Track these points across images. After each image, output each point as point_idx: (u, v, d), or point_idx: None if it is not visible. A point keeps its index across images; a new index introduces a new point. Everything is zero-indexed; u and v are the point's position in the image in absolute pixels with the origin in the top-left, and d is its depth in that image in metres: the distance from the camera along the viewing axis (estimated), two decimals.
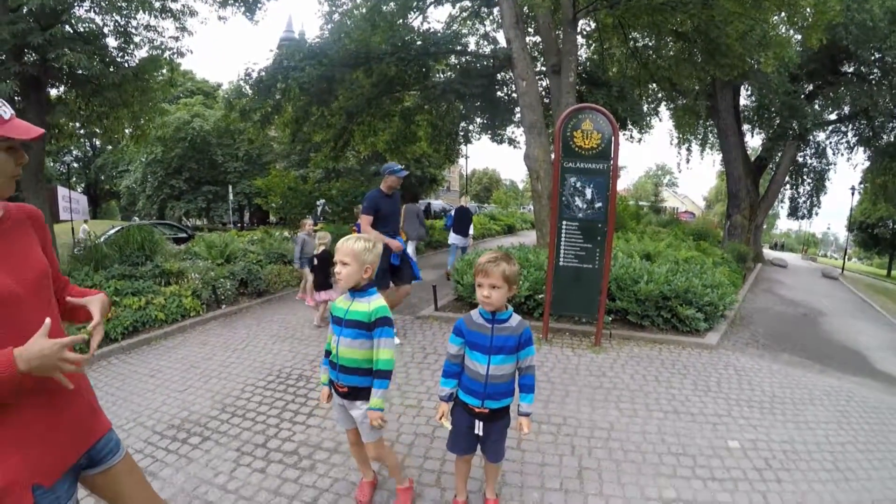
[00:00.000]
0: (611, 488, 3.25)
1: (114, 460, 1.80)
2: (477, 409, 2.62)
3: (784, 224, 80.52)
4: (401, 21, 14.86)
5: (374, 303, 2.61)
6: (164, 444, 3.88)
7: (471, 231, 12.11)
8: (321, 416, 4.31)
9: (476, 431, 2.67)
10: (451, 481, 3.23)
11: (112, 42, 14.58)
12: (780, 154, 19.23)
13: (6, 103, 1.51)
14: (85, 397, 1.72)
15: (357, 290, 2.66)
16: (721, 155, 19.16)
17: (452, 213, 12.41)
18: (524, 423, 2.62)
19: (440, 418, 2.70)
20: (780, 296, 12.11)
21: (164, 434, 4.06)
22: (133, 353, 6.20)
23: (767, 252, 27.95)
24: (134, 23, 14.67)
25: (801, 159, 21.40)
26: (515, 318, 2.59)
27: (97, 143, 42.73)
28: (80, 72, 12.65)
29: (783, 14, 11.18)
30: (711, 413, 4.45)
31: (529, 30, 15.24)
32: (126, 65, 14.53)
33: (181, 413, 4.45)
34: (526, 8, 12.43)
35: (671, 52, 15.34)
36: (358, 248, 2.57)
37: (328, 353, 2.78)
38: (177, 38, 15.21)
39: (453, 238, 12.00)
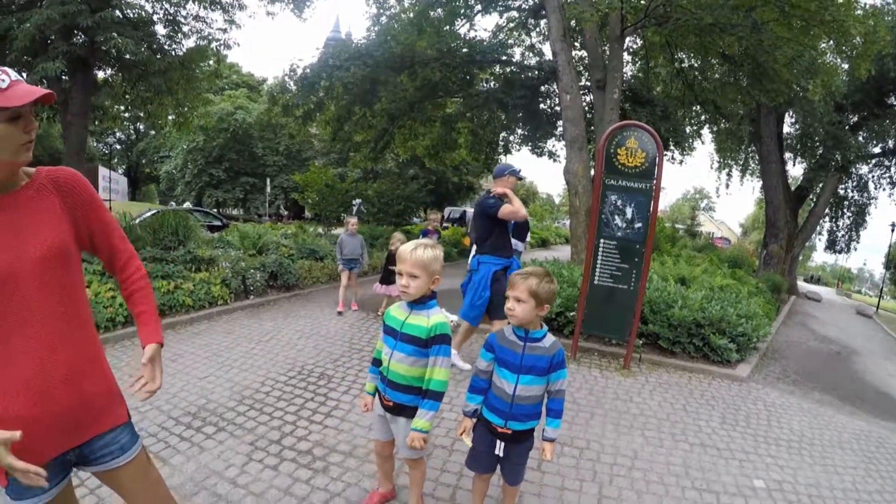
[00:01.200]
0: None
1: (115, 463, 1.69)
2: (500, 429, 2.51)
3: (820, 257, 78.78)
4: (447, 28, 14.91)
5: (434, 318, 2.43)
6: (178, 431, 3.87)
7: (527, 238, 12.92)
8: (339, 417, 4.26)
9: (496, 452, 2.56)
10: (466, 497, 3.14)
11: (160, 30, 15.00)
12: (821, 185, 18.83)
13: (8, 71, 1.42)
14: (83, 394, 1.59)
15: (417, 303, 2.48)
16: (761, 182, 18.84)
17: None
18: (547, 448, 2.52)
19: (461, 434, 2.60)
20: (812, 331, 11.78)
21: (179, 420, 4.04)
22: None
23: (802, 284, 27.33)
24: (183, 12, 15.02)
25: (842, 192, 20.96)
26: (549, 339, 2.49)
27: (140, 127, 43.72)
28: (127, 56, 12.98)
29: (831, 42, 10.94)
30: (738, 449, 4.28)
31: (576, 44, 15.15)
32: (173, 53, 14.88)
33: (199, 400, 4.44)
34: (573, 22, 12.32)
35: (717, 75, 15.15)
36: (427, 257, 2.38)
37: (376, 361, 2.66)
38: (225, 31, 15.56)
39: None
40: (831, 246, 22.79)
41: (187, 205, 27.94)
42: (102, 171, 16.46)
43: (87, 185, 1.71)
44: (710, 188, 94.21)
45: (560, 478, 3.51)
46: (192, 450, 3.60)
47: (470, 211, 37.51)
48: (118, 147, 48.15)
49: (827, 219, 21.87)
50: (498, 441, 2.55)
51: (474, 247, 5.58)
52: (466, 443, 2.61)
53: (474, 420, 2.65)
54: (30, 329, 1.47)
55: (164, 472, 3.23)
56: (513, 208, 5.12)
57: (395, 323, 2.51)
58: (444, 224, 30.90)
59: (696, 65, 15.87)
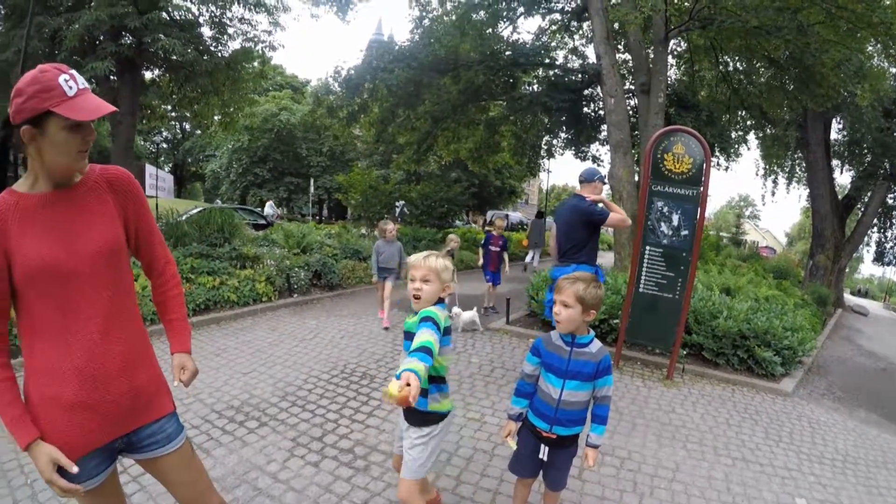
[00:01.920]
0: None
1: (160, 452, 1.75)
2: (544, 434, 2.51)
3: (867, 269, 75.91)
4: (490, 30, 14.89)
5: (425, 311, 2.32)
6: (220, 424, 3.96)
7: None
8: (381, 417, 4.30)
9: (541, 456, 2.56)
10: (506, 502, 3.14)
11: (207, 31, 15.30)
12: (869, 194, 18.16)
13: (76, 77, 1.46)
14: (134, 383, 1.66)
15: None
16: (808, 190, 18.29)
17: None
18: (591, 454, 2.51)
19: (506, 436, 2.61)
20: (859, 346, 11.39)
21: (222, 414, 4.14)
22: (202, 331, 6.39)
23: (848, 297, 26.46)
24: (229, 14, 15.29)
25: (891, 201, 20.12)
26: (596, 344, 2.48)
27: (186, 126, 44.70)
28: (174, 57, 13.30)
29: (879, 45, 10.60)
30: (781, 465, 4.17)
31: (619, 47, 14.98)
32: (219, 54, 15.20)
33: (242, 395, 4.54)
34: (617, 24, 12.20)
35: (763, 79, 14.81)
36: (439, 265, 2.38)
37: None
38: (269, 32, 15.83)
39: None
40: (879, 258, 21.97)
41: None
42: (149, 169, 16.88)
43: (138, 186, 1.78)
44: (755, 195, 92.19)
45: (601, 487, 3.49)
46: (235, 443, 3.68)
47: (513, 215, 37.18)
48: (164, 146, 49.34)
49: (875, 229, 21.09)
50: (542, 445, 2.55)
51: (535, 251, 5.34)
52: (511, 446, 2.61)
53: (519, 423, 2.65)
54: (84, 319, 1.54)
55: (206, 463, 3.31)
56: (621, 216, 4.94)
57: (406, 326, 2.46)
58: (487, 228, 30.90)
59: (741, 68, 15.53)
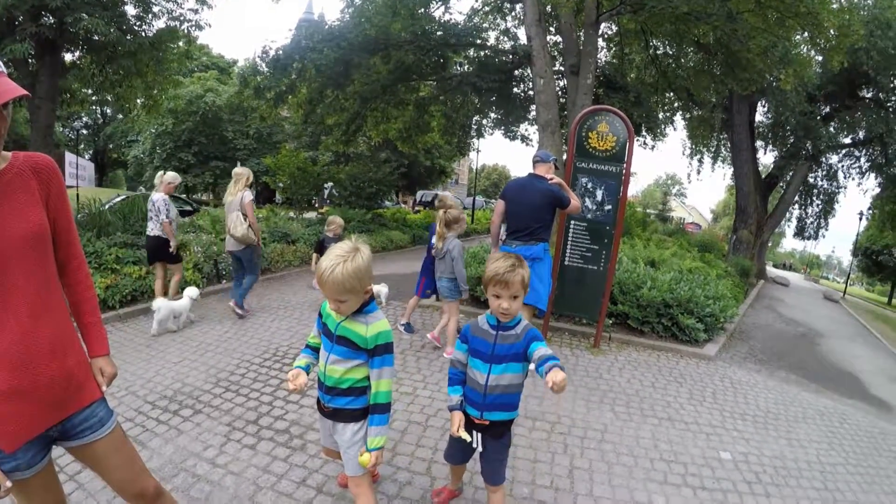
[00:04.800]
0: (601, 490, 3.24)
1: (93, 437, 1.73)
2: (476, 421, 2.47)
3: (789, 243, 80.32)
4: (422, 10, 14.78)
5: (374, 326, 2.17)
6: (155, 415, 3.87)
7: None
8: (315, 396, 4.28)
9: (474, 445, 2.51)
10: (441, 470, 3.23)
11: (131, 10, 14.56)
12: (791, 173, 19.20)
13: None
14: (65, 367, 1.63)
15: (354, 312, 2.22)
16: (732, 169, 19.14)
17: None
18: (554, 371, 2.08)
19: (457, 430, 2.42)
20: (780, 313, 12.08)
21: (155, 404, 4.05)
22: (130, 322, 6.20)
23: (771, 269, 27.91)
24: None
25: (811, 180, 21.38)
26: (521, 325, 2.42)
27: (108, 111, 42.70)
28: (96, 37, 12.67)
29: (806, 34, 11.11)
30: (705, 423, 4.43)
31: (551, 29, 15.16)
32: (143, 34, 14.54)
33: (174, 384, 4.44)
34: (549, 7, 12.33)
35: (691, 63, 15.28)
36: (346, 275, 2.03)
37: (312, 347, 2.46)
38: (196, 11, 15.22)
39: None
40: (800, 233, 23.31)
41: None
42: (69, 157, 16.04)
43: (61, 177, 1.74)
44: (681, 174, 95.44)
45: (532, 451, 3.62)
46: (170, 433, 3.62)
47: (445, 195, 37.19)
48: (85, 132, 46.95)
49: (796, 206, 22.27)
50: (475, 433, 2.50)
51: (504, 231, 5.31)
52: (466, 437, 2.43)
53: (461, 413, 2.53)
54: (12, 304, 1.50)
55: (143, 455, 3.24)
56: (577, 204, 5.11)
57: (330, 323, 2.27)
58: (416, 208, 30.84)
59: (670, 52, 15.92)
